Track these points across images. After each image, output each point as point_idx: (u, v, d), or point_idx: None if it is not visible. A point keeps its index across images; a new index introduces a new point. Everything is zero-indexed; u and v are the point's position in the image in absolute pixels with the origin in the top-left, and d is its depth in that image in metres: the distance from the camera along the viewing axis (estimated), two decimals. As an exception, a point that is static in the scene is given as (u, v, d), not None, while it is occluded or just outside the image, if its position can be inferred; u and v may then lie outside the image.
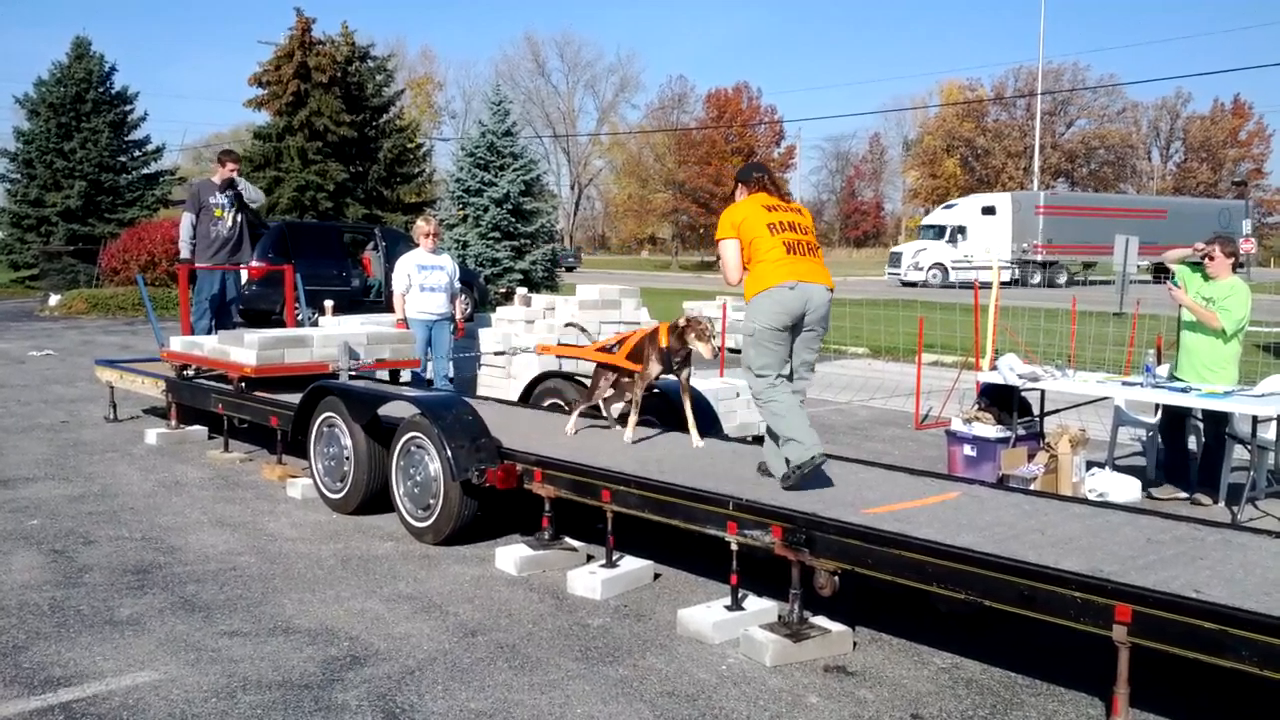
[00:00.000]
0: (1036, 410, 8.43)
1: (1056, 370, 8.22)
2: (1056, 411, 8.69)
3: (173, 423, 9.63)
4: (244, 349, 8.52)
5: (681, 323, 6.38)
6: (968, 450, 7.92)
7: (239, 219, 11.36)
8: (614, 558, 5.74)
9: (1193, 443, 7.99)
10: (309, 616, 5.19)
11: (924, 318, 13.73)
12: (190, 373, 9.41)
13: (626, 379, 6.82)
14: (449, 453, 6.12)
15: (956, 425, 8.12)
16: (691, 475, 5.66)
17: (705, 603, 5.20)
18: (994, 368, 8.55)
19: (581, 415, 7.04)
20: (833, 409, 11.99)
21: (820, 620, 4.93)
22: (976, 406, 8.24)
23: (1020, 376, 7.97)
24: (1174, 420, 7.96)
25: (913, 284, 43.56)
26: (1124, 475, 7.61)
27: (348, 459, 6.99)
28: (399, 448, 6.60)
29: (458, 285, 10.38)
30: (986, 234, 43.99)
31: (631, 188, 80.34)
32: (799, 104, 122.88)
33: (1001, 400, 8.15)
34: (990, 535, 4.63)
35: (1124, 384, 7.89)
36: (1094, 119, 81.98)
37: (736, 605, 5.08)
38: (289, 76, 32.20)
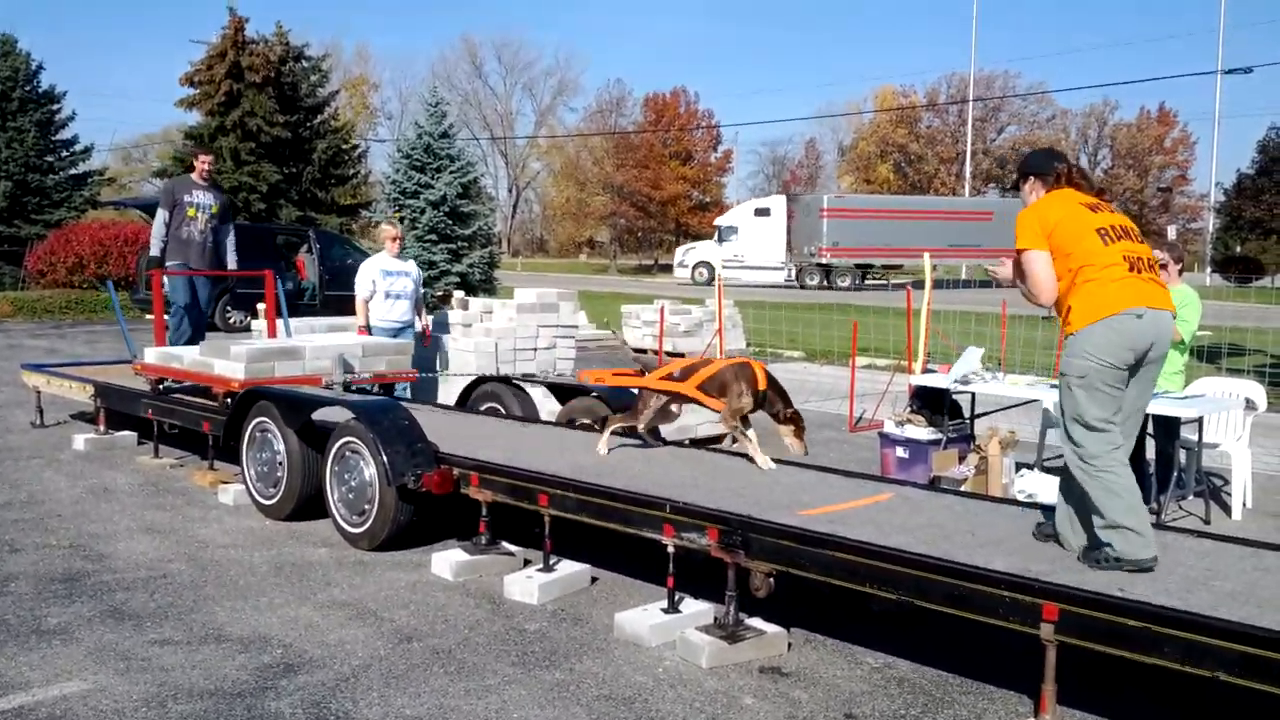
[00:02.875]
0: (967, 413, 8.57)
1: (987, 373, 8.36)
2: (987, 414, 8.84)
3: (101, 428, 9.44)
4: (230, 362, 7.88)
5: (776, 398, 6.05)
6: (900, 452, 8.02)
7: (214, 223, 10.40)
8: (551, 562, 5.74)
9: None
10: (241, 624, 5.13)
11: (858, 322, 13.88)
12: (165, 387, 8.85)
13: (676, 405, 6.44)
14: (385, 457, 6.08)
15: (889, 428, 8.23)
16: (629, 479, 5.68)
17: (642, 606, 5.23)
18: (926, 364, 8.66)
19: (615, 434, 6.52)
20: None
21: (756, 622, 4.97)
22: (909, 409, 8.35)
23: (955, 380, 8.09)
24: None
25: (703, 283, 44.75)
26: (1052, 476, 7.74)
27: (281, 464, 6.91)
28: (333, 453, 6.54)
29: (422, 292, 10.11)
30: (759, 235, 45.31)
31: (569, 191, 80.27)
32: (736, 108, 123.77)
33: (933, 403, 8.27)
34: (922, 536, 4.71)
35: (1052, 386, 8.04)
36: (1024, 126, 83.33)
37: (673, 608, 5.11)
38: (221, 76, 31.73)
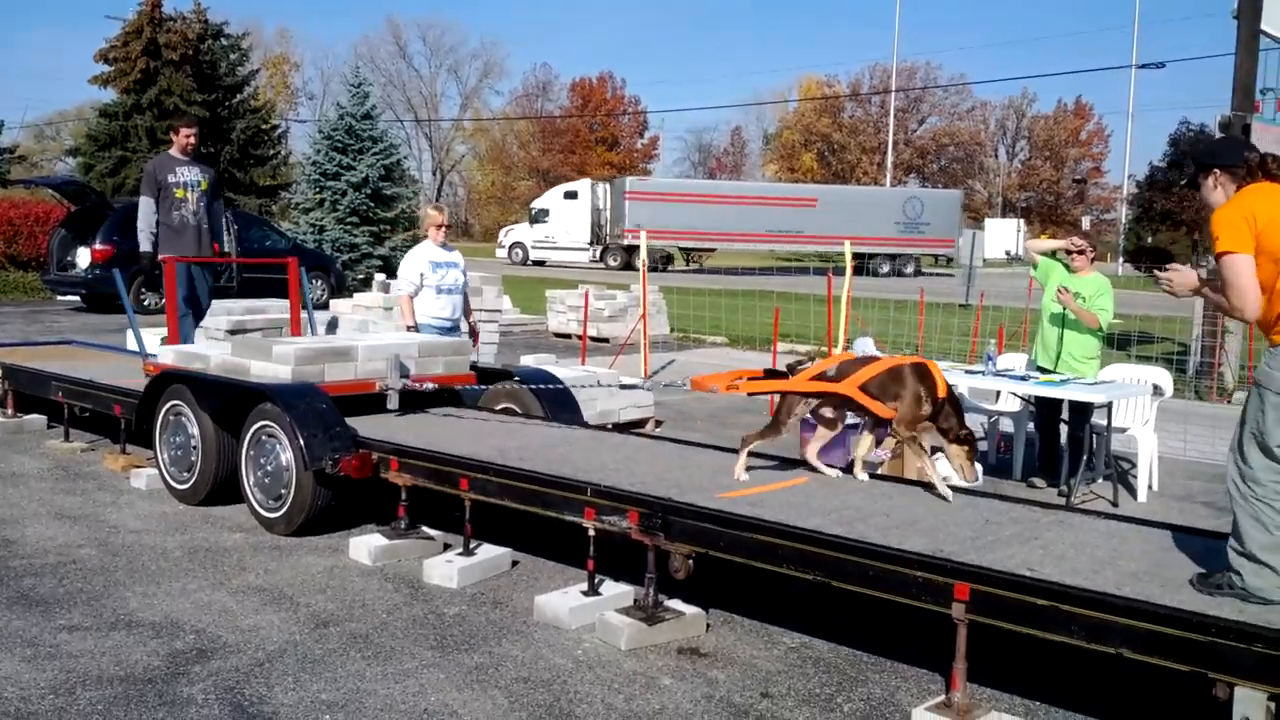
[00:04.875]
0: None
1: (905, 359, 8.47)
2: (905, 399, 8.96)
3: (9, 411, 9.18)
4: (273, 364, 6.73)
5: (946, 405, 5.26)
6: (820, 437, 8.09)
7: (206, 201, 9.19)
8: (471, 546, 5.73)
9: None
10: (153, 610, 5.04)
11: (780, 308, 14.00)
12: None
13: (831, 410, 5.60)
14: (301, 441, 6.00)
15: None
16: (550, 463, 5.68)
17: (562, 589, 5.24)
18: (846, 350, 8.76)
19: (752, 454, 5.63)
20: (692, 396, 12.14)
21: (675, 603, 5.01)
22: (829, 394, 8.43)
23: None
24: (1048, 415, 8.11)
25: (540, 263, 46.00)
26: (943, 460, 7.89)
27: (195, 448, 6.79)
28: (249, 437, 6.44)
29: (465, 285, 8.73)
30: (568, 218, 46.36)
31: (495, 175, 79.88)
32: (663, 95, 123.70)
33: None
34: (839, 518, 4.77)
35: (967, 372, 8.20)
36: (945, 117, 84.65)
37: (593, 590, 5.13)
38: (137, 53, 31.01)
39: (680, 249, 47.79)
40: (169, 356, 7.58)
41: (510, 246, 48.49)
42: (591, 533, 5.07)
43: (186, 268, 8.98)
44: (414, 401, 7.09)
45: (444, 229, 8.45)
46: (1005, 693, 4.37)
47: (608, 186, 47.50)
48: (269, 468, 6.31)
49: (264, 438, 6.35)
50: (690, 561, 4.77)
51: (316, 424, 6.08)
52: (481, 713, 4.06)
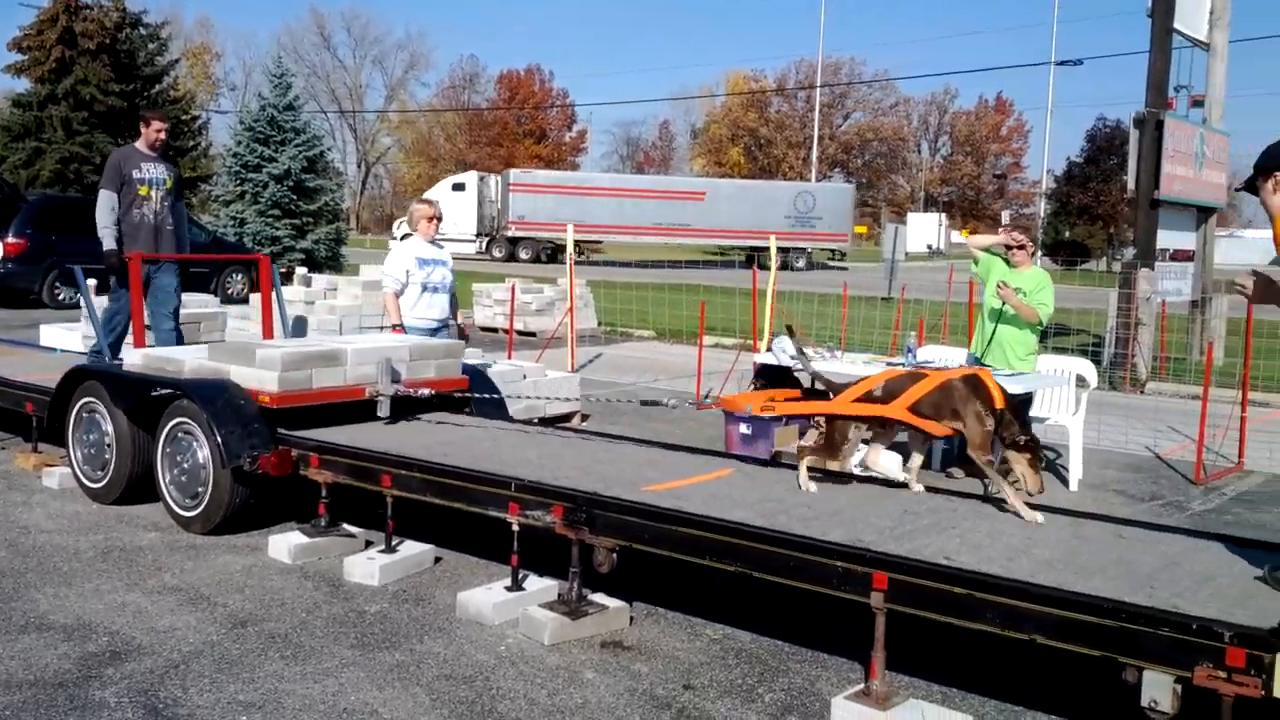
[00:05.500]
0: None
1: (827, 352, 8.57)
2: (828, 391, 9.05)
3: (-88, 410, 8.89)
4: (257, 369, 6.20)
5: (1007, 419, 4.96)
6: (744, 429, 8.15)
7: (170, 201, 8.67)
8: (394, 543, 5.67)
9: None
10: (64, 612, 4.91)
11: (705, 301, 14.06)
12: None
13: (880, 428, 5.28)
14: (219, 439, 5.89)
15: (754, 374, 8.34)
16: (475, 459, 5.63)
17: (486, 584, 5.21)
18: (769, 349, 8.83)
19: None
20: (618, 390, 12.15)
21: (599, 597, 5.01)
22: (753, 387, 8.51)
23: (792, 357, 8.27)
24: None
25: None
26: (887, 451, 7.99)
27: (109, 446, 6.63)
28: (165, 434, 6.31)
29: (453, 283, 8.33)
30: (455, 209, 46.70)
31: (421, 167, 79.13)
32: (591, 88, 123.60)
33: (776, 381, 8.43)
34: (761, 510, 4.80)
35: (888, 364, 8.29)
36: (869, 112, 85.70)
37: (517, 586, 5.11)
38: (52, 42, 30.25)
39: (581, 241, 47.95)
40: (138, 360, 7.00)
41: (402, 238, 48.30)
42: (515, 528, 5.04)
43: (146, 271, 8.46)
44: (406, 409, 6.68)
45: (434, 222, 8.06)
46: (923, 680, 4.43)
47: (496, 179, 47.65)
48: (185, 466, 6.19)
49: (180, 435, 6.22)
50: (614, 555, 4.77)
51: (234, 421, 5.97)
52: (403, 711, 4.03)
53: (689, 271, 28.73)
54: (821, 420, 5.20)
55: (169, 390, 6.34)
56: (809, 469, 5.25)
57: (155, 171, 8.55)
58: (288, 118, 24.60)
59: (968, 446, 4.95)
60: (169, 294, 8.68)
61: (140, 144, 8.64)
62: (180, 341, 8.51)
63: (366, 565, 5.49)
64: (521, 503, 5.03)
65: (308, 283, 12.38)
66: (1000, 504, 5.36)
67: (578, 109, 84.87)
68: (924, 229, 68.14)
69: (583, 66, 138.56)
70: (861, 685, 4.13)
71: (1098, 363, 12.65)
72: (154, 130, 8.59)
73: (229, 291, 19.44)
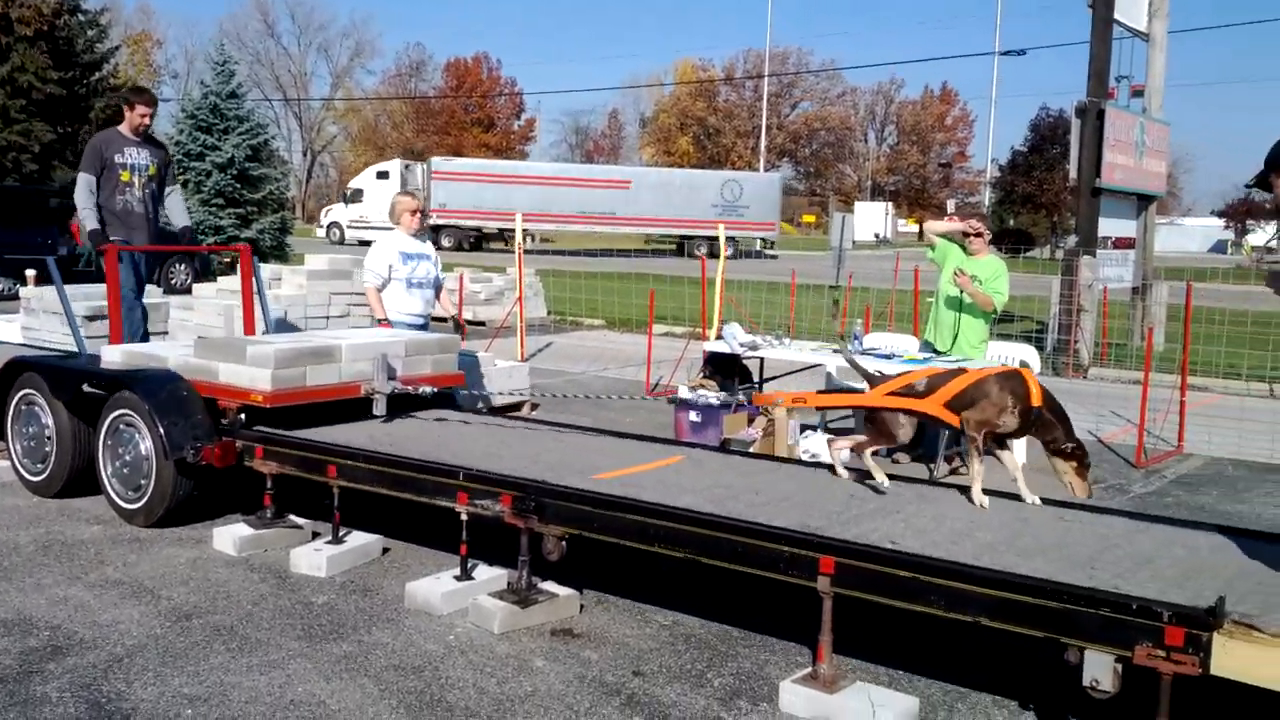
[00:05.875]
0: (757, 377, 8.82)
1: (775, 339, 8.62)
2: (775, 378, 9.12)
3: None
4: (248, 367, 5.91)
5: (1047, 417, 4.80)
6: (693, 416, 8.19)
7: (153, 188, 8.25)
8: (341, 534, 5.63)
9: None
10: (4, 607, 4.82)
11: (655, 290, 14.08)
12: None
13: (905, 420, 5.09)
14: (161, 430, 5.81)
15: (683, 393, 8.39)
16: (423, 448, 5.60)
17: (434, 574, 5.19)
18: (720, 336, 8.87)
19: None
20: (568, 379, 12.15)
21: (549, 585, 5.00)
22: (702, 375, 8.54)
23: (742, 345, 8.32)
24: None
25: (365, 243, 46.07)
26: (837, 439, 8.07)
27: (49, 439, 6.51)
28: (107, 426, 6.20)
29: (441, 277, 8.03)
30: (380, 197, 47.22)
31: (368, 156, 78.23)
32: (539, 77, 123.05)
33: (725, 368, 8.48)
34: (710, 496, 4.82)
35: (834, 351, 8.37)
36: (816, 102, 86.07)
37: (466, 575, 5.09)
38: (-12, 29, 29.48)
39: (499, 229, 48.03)
40: (116, 358, 6.59)
41: (328, 226, 48.55)
42: (464, 517, 5.02)
43: (131, 260, 8.07)
44: (402, 406, 6.48)
45: (418, 215, 7.78)
46: (871, 663, 4.48)
47: (422, 167, 47.58)
48: (128, 458, 6.09)
49: (122, 427, 6.12)
50: (563, 543, 4.76)
51: (177, 412, 5.89)
52: (350, 702, 4.00)
53: (636, 260, 28.76)
54: (968, 429, 4.88)
55: (111, 381, 6.24)
56: (872, 457, 5.09)
57: (138, 157, 8.16)
58: (231, 105, 24.26)
59: (964, 420, 4.84)
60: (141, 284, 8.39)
61: (124, 128, 8.21)
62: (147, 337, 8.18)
63: (313, 556, 5.44)
64: (470, 492, 5.01)
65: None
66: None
67: (526, 97, 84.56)
68: (871, 218, 68.61)
69: (531, 55, 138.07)
70: (809, 669, 4.16)
71: (1041, 348, 12.86)
72: (138, 114, 8.14)
73: (172, 282, 19.17)
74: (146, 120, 8.21)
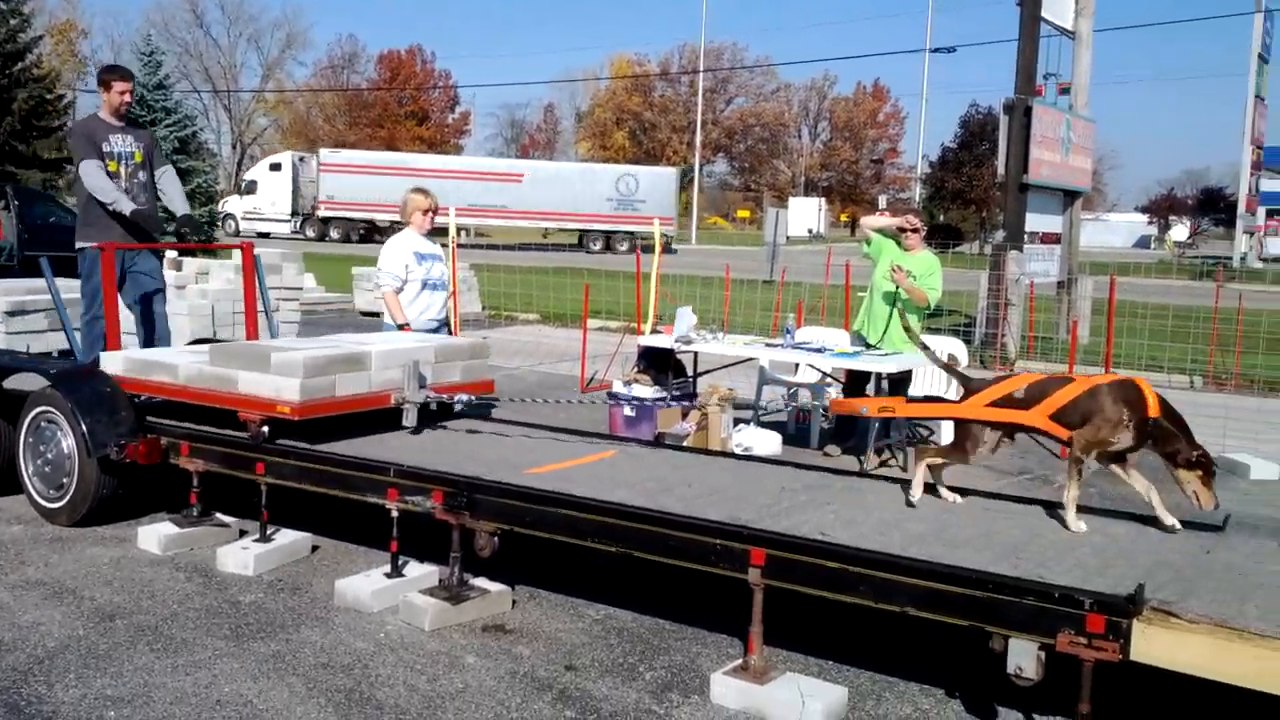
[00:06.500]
0: (691, 371, 8.85)
1: (709, 334, 8.65)
2: (709, 372, 9.15)
3: None
4: (272, 376, 5.42)
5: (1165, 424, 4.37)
6: (627, 411, 8.19)
7: (142, 177, 7.41)
8: (269, 531, 5.55)
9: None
10: (-82, 611, 4.70)
11: (589, 285, 14.06)
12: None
13: (1006, 436, 4.73)
14: (84, 427, 5.69)
15: (618, 387, 8.39)
16: (353, 444, 5.54)
17: (365, 571, 5.15)
18: (655, 326, 8.88)
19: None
20: (504, 374, 12.07)
21: (481, 581, 4.98)
22: (636, 369, 8.55)
23: (690, 334, 8.33)
24: (856, 385, 8.34)
25: (265, 235, 46.18)
26: (767, 430, 8.14)
27: (-34, 437, 6.35)
28: (28, 423, 6.06)
29: (447, 278, 7.65)
30: (273, 189, 47.64)
31: (299, 148, 77.18)
32: (474, 70, 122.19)
33: (659, 363, 8.50)
34: (642, 490, 4.83)
35: (767, 345, 8.43)
36: (751, 98, 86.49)
37: (397, 572, 5.05)
38: (-99, 17, 28.62)
39: (393, 223, 47.73)
40: (117, 365, 6.09)
41: (224, 218, 47.86)
42: (395, 514, 4.98)
43: (123, 259, 7.27)
44: (431, 417, 6.11)
45: (431, 215, 7.34)
46: (801, 654, 4.52)
47: (314, 159, 47.32)
48: (49, 456, 5.96)
49: (44, 424, 5.99)
50: (496, 539, 4.75)
51: (100, 409, 5.77)
52: (278, 701, 3.95)
53: (570, 255, 28.69)
54: (1075, 449, 4.47)
55: (33, 376, 6.10)
56: (931, 471, 4.79)
57: (122, 144, 7.33)
58: (158, 97, 23.87)
59: (1074, 438, 4.43)
60: (154, 279, 7.56)
61: (104, 112, 7.36)
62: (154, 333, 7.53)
63: (240, 555, 5.37)
64: (400, 488, 4.97)
65: (178, 266, 11.99)
66: (874, 478, 5.49)
67: (461, 91, 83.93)
68: (805, 213, 69.17)
69: (465, 48, 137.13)
70: (740, 660, 4.19)
71: (969, 342, 13.04)
72: (116, 93, 7.29)
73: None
74: (127, 98, 7.41)
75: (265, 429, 5.41)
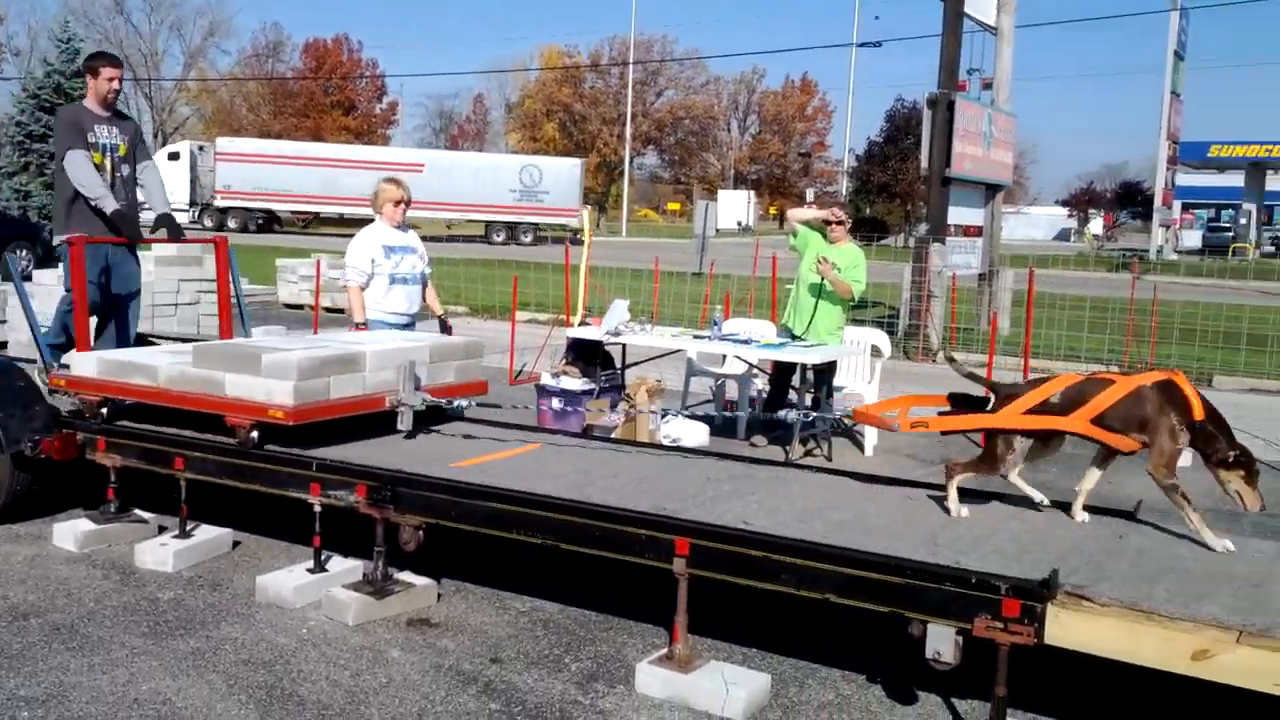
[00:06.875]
0: (619, 364, 8.86)
1: (638, 326, 8.66)
2: (637, 364, 9.16)
3: None
4: (262, 379, 5.10)
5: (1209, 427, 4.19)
6: (556, 403, 8.18)
7: (125, 171, 7.03)
8: (189, 527, 5.47)
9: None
10: None
11: (518, 276, 14.00)
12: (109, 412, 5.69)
13: (1040, 443, 4.55)
14: (-4, 422, 5.55)
15: (546, 379, 8.37)
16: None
17: (287, 567, 5.09)
18: (584, 318, 8.87)
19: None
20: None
21: (406, 576, 4.96)
22: (564, 361, 8.53)
23: (621, 325, 8.34)
24: (781, 379, 8.41)
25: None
26: (694, 421, 8.18)
27: None
28: (-65, 419, 5.89)
29: (428, 272, 7.32)
30: (170, 178, 47.14)
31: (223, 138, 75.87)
32: (402, 59, 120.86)
33: (587, 355, 8.48)
34: (569, 482, 4.83)
35: (695, 337, 8.47)
36: (681, 90, 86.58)
37: (320, 567, 5.01)
38: None
39: (293, 212, 47.39)
40: (90, 366, 5.70)
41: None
42: (317, 509, 4.93)
43: (105, 255, 6.91)
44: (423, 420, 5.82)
45: (403, 207, 7.07)
46: (726, 642, 4.56)
47: (213, 148, 46.86)
48: (-41, 452, 5.80)
49: (-48, 420, 5.82)
50: (420, 533, 4.72)
51: (13, 403, 5.63)
52: (198, 699, 3.90)
53: (502, 248, 28.52)
54: (1160, 476, 4.24)
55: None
56: (959, 489, 4.58)
57: (108, 135, 6.90)
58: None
59: (1150, 463, 4.24)
60: (131, 282, 7.25)
61: (90, 101, 6.94)
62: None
63: (159, 551, 5.28)
64: (323, 483, 4.92)
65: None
66: (799, 468, 5.55)
67: (388, 80, 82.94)
68: (734, 206, 69.52)
69: (393, 37, 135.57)
70: (666, 650, 4.22)
71: (893, 333, 13.22)
72: (105, 80, 6.86)
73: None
74: (116, 85, 6.95)
75: (255, 434, 5.12)
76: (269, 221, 45.04)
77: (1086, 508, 4.58)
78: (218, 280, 7.39)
